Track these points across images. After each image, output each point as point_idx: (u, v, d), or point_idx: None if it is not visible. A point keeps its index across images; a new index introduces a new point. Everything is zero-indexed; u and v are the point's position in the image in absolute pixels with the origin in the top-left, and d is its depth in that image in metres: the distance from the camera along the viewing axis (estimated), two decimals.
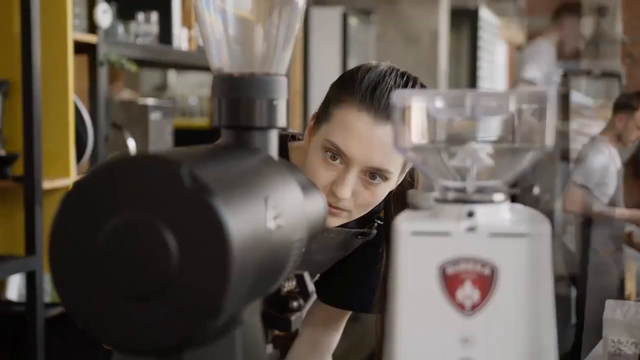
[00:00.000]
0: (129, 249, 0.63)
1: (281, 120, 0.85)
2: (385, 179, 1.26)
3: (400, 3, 5.85)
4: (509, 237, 0.69)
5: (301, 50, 4.89)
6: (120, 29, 3.08)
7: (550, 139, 0.71)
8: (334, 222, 1.30)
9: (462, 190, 0.73)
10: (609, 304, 2.10)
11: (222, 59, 0.86)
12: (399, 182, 1.34)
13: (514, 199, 0.74)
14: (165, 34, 3.23)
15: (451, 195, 0.73)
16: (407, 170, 1.34)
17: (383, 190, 1.28)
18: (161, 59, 3.28)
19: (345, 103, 1.25)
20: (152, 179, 0.64)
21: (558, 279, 4.33)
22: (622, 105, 4.32)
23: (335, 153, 1.25)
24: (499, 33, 8.60)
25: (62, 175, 2.61)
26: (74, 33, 2.69)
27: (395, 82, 1.26)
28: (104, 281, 0.64)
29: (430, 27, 5.82)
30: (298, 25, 0.87)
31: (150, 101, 3.24)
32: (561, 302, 4.47)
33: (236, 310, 0.67)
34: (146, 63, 3.41)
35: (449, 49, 6.82)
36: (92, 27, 2.79)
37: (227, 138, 0.85)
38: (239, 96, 0.83)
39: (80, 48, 2.76)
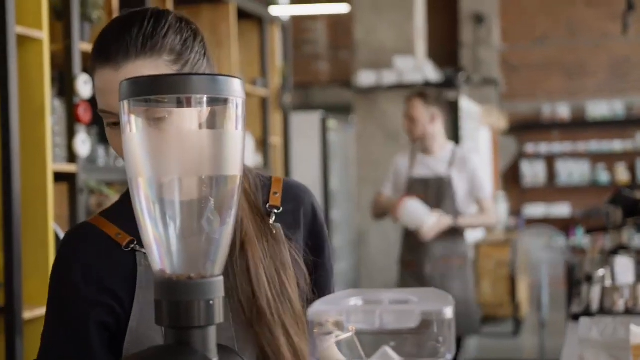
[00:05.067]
0: None
1: (218, 317, 0.92)
2: (166, 114, 1.17)
3: (379, 100, 6.01)
4: None
5: (282, 155, 5.00)
6: (102, 151, 3.18)
7: (452, 350, 0.78)
8: None
9: None
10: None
11: (162, 262, 0.94)
12: None
13: None
14: None
15: None
16: None
17: (178, 123, 1.16)
18: None
19: (94, 69, 1.23)
20: None
21: None
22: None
23: (110, 118, 1.22)
24: (481, 119, 8.78)
25: (43, 303, 2.66)
26: (54, 163, 2.78)
27: (123, 19, 1.24)
28: None
29: None
30: (230, 230, 0.95)
31: None
32: None
33: None
34: None
35: None
36: (72, 156, 2.89)
37: (169, 338, 0.92)
38: (179, 299, 0.91)
39: (61, 177, 2.86)
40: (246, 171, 1.33)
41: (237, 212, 1.25)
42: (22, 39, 2.68)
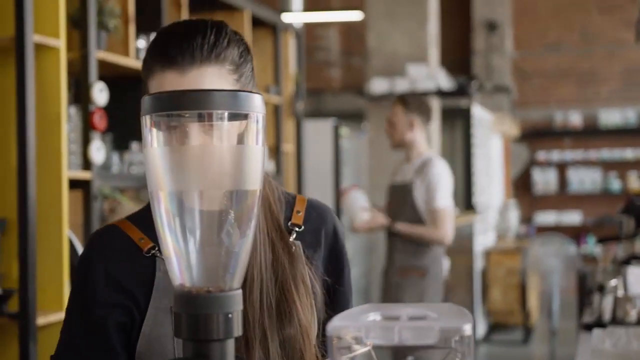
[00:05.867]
0: None
1: (237, 330, 0.93)
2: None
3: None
4: None
5: (294, 162, 5.02)
6: (116, 158, 3.20)
7: None
8: None
9: None
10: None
11: (182, 275, 0.95)
12: None
13: None
14: None
15: None
16: None
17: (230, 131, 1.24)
18: None
19: (151, 72, 1.24)
20: None
21: None
22: None
23: None
24: (493, 127, 8.77)
25: (57, 309, 2.69)
26: (69, 171, 2.80)
27: (185, 25, 1.25)
28: None
29: None
30: (250, 243, 0.96)
31: None
32: None
33: None
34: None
35: (443, 147, 6.97)
36: (87, 163, 2.92)
37: (187, 350, 0.93)
38: (198, 312, 0.92)
39: (75, 184, 2.88)
40: (273, 186, 1.36)
41: (257, 225, 1.28)
42: (39, 47, 2.70)
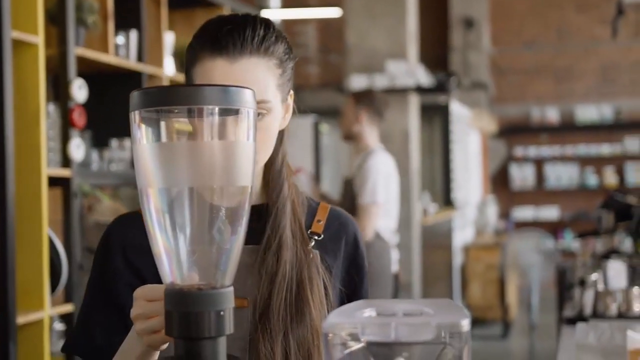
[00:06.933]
0: None
1: (228, 328, 0.92)
2: (266, 111, 1.25)
3: None
4: None
5: None
6: (95, 156, 3.17)
7: None
8: None
9: None
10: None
11: (172, 273, 0.93)
12: (288, 113, 1.36)
13: None
14: None
15: None
16: (290, 98, 1.35)
17: (270, 124, 1.27)
18: (135, 183, 3.37)
19: (198, 59, 1.25)
20: None
21: None
22: None
23: None
24: (471, 123, 8.81)
25: (36, 308, 2.66)
26: (49, 168, 2.77)
27: (234, 17, 1.28)
28: None
29: (401, 127, 5.97)
30: (241, 241, 0.95)
31: None
32: None
33: None
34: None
35: (422, 143, 6.97)
36: (66, 161, 2.88)
37: (179, 348, 0.92)
38: (189, 310, 0.91)
39: (55, 181, 2.85)
40: (297, 190, 1.37)
41: (286, 223, 1.28)
42: (17, 44, 2.67)
